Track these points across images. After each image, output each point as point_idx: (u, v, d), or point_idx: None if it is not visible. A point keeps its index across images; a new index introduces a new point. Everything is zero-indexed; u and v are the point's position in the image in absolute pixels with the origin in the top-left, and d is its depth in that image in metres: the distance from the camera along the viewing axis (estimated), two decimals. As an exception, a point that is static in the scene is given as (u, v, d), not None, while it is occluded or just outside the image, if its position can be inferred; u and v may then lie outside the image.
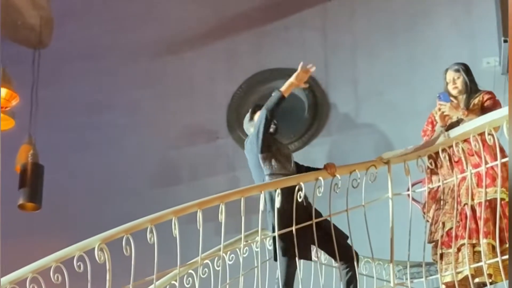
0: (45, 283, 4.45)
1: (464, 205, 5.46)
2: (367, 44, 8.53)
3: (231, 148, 8.13)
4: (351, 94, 8.42)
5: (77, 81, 8.69)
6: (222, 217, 4.85)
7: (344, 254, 5.00)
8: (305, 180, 5.05)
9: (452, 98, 5.71)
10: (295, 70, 8.65)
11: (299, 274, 4.94)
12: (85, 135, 8.48)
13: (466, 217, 5.34)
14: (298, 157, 8.12)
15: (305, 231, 4.95)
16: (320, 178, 4.99)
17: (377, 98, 8.29)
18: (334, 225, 5.02)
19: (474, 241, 5.41)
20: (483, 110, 5.74)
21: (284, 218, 4.98)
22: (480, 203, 5.32)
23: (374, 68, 8.42)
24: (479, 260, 5.15)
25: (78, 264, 4.45)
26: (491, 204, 5.42)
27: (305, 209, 5.01)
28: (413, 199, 5.26)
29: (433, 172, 5.50)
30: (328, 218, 5.04)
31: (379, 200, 5.16)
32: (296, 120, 8.58)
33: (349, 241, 5.04)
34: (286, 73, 8.81)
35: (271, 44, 8.74)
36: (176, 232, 4.65)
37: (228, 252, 5.24)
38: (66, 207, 8.09)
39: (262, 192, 4.99)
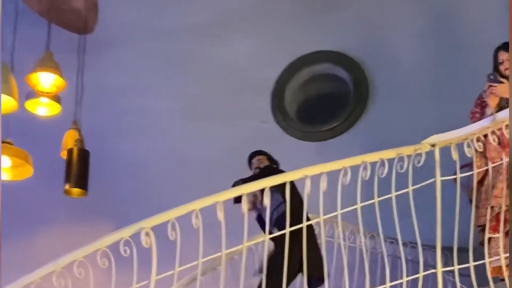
0: (92, 267, 4.50)
1: (513, 188, 5.39)
2: (411, 25, 8.42)
3: (275, 132, 8.10)
4: (395, 76, 8.33)
5: (121, 65, 8.72)
6: (267, 201, 4.86)
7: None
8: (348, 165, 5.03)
9: (502, 79, 5.62)
10: (338, 53, 8.69)
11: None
12: (129, 120, 8.51)
13: (514, 201, 5.27)
14: (341, 141, 8.15)
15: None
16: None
17: (421, 80, 8.19)
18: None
19: (522, 225, 5.35)
20: (534, 91, 5.65)
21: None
22: (529, 187, 5.24)
23: (417, 50, 8.32)
24: (528, 245, 5.09)
25: (124, 248, 4.49)
26: (540, 188, 5.34)
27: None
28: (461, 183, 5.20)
29: (481, 155, 5.44)
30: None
31: (425, 184, 5.10)
32: (340, 103, 8.53)
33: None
34: (330, 55, 8.81)
35: (315, 26, 8.68)
36: (221, 216, 4.66)
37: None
38: (112, 193, 8.15)
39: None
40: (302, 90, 8.72)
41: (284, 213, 5.04)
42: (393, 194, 5.04)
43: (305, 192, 4.94)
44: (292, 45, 8.70)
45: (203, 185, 5.84)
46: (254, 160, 6.11)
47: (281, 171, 5.78)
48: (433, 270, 5.05)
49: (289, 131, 8.23)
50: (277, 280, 4.98)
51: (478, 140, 5.08)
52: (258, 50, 8.68)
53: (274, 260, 5.00)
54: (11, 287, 4.46)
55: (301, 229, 4.99)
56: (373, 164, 5.01)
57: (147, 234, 4.53)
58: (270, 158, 6.07)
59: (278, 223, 5.19)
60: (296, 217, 5.07)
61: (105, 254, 4.51)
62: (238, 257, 5.22)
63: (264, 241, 4.94)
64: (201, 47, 8.70)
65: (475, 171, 5.29)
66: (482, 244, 5.40)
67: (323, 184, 4.90)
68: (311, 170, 5.07)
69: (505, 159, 5.27)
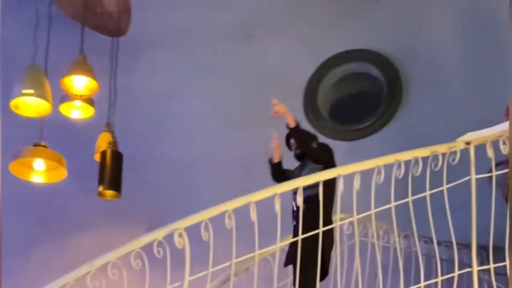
0: (126, 269, 4.52)
1: (549, 185, 5.31)
2: (444, 22, 8.34)
3: (308, 132, 8.07)
4: (429, 74, 8.26)
5: (154, 68, 8.73)
6: (300, 200, 4.86)
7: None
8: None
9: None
10: (371, 51, 8.64)
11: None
12: (163, 123, 8.53)
13: (551, 198, 5.20)
14: (375, 140, 8.08)
15: None
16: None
17: (455, 78, 8.12)
18: None
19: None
20: None
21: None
22: None
23: (451, 47, 8.24)
24: None
25: (157, 249, 4.51)
26: None
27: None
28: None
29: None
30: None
31: (460, 183, 5.06)
32: (373, 102, 8.48)
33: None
34: (362, 54, 8.77)
35: (347, 25, 8.64)
36: (254, 217, 4.66)
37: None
38: (146, 194, 8.17)
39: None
40: (335, 89, 8.68)
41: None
42: (428, 192, 5.00)
43: (338, 191, 4.92)
44: (324, 44, 8.67)
45: (238, 186, 5.84)
46: (293, 141, 6.07)
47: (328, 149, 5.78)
48: (469, 269, 5.00)
49: (322, 130, 8.18)
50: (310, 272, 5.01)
51: (513, 137, 5.01)
52: (290, 50, 8.66)
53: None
54: (46, 289, 4.50)
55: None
56: (407, 163, 4.98)
57: (180, 235, 4.55)
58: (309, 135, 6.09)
59: (306, 195, 5.15)
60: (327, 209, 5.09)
61: (138, 256, 4.53)
62: (271, 257, 5.21)
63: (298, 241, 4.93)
64: (234, 49, 8.69)
65: (510, 168, 5.22)
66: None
67: (357, 183, 4.88)
68: (344, 170, 5.05)
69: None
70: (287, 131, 5.96)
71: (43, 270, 7.25)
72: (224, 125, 8.40)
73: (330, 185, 5.09)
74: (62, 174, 6.85)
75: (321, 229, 4.97)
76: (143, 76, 8.64)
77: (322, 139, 7.79)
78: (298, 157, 6.00)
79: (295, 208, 5.45)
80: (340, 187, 4.92)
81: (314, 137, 6.05)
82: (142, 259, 4.53)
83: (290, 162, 6.07)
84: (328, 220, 5.11)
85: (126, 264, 4.53)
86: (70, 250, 8.00)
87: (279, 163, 5.95)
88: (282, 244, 4.97)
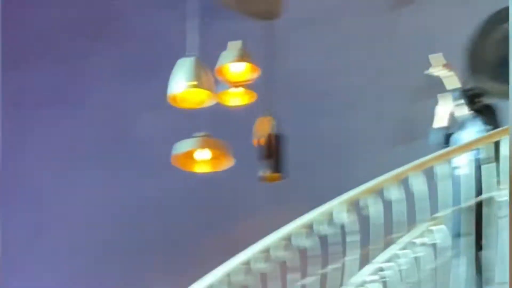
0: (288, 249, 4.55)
1: None
2: None
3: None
4: None
5: (309, 47, 8.71)
6: (466, 169, 4.70)
7: None
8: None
9: None
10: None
11: None
12: (320, 101, 8.51)
13: None
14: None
15: None
16: None
17: None
18: None
19: None
20: None
21: None
22: None
23: None
24: None
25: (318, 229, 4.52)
26: None
27: None
28: None
29: None
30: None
31: None
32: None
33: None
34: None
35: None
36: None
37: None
38: (309, 174, 8.18)
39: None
40: (499, 47, 8.33)
41: None
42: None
43: (502, 155, 4.72)
44: (485, 3, 8.33)
45: (400, 157, 5.72)
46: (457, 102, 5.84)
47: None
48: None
49: (485, 91, 7.88)
50: None
51: None
52: (448, 11, 8.40)
53: None
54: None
55: None
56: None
57: (348, 211, 4.54)
58: None
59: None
60: None
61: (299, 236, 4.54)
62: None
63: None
64: (389, 18, 8.54)
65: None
66: None
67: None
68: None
69: None
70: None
71: (211, 254, 7.38)
72: (383, 97, 8.28)
73: None
74: (228, 161, 6.91)
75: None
76: (298, 57, 8.66)
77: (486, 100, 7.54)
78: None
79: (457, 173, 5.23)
80: (504, 151, 4.71)
81: (479, 96, 5.77)
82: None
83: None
84: None
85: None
86: (237, 234, 8.12)
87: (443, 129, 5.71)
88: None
